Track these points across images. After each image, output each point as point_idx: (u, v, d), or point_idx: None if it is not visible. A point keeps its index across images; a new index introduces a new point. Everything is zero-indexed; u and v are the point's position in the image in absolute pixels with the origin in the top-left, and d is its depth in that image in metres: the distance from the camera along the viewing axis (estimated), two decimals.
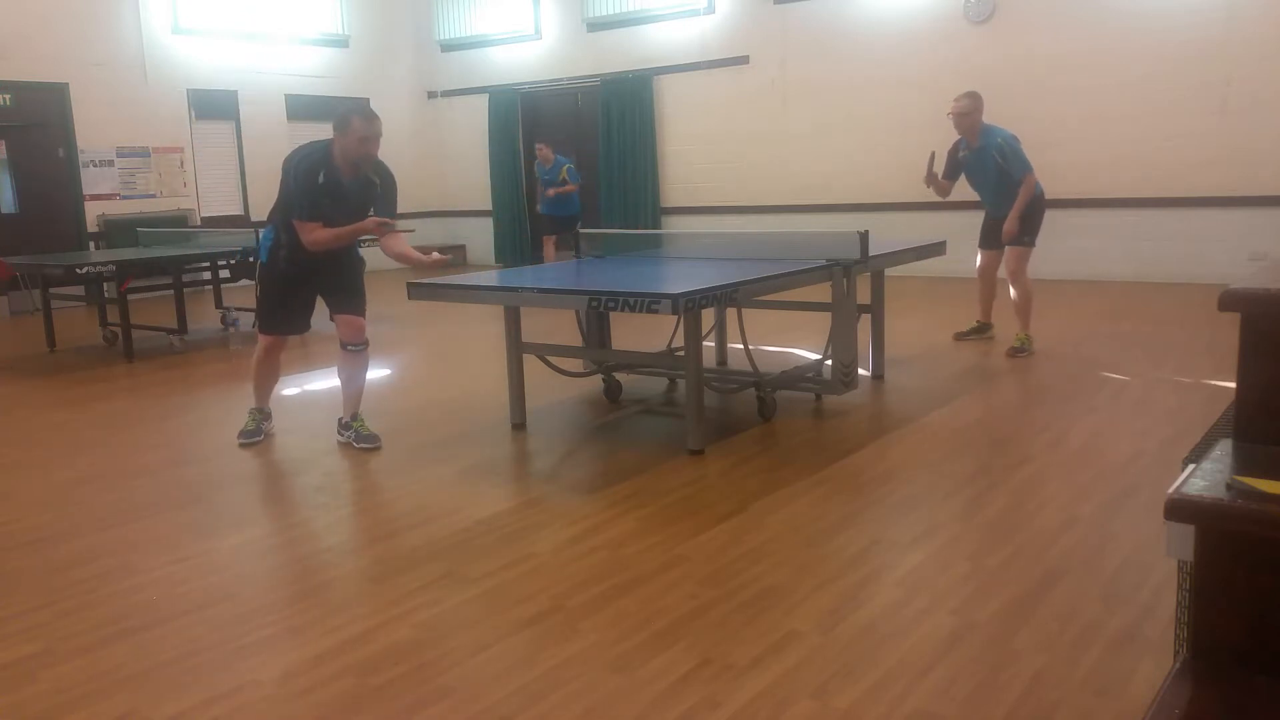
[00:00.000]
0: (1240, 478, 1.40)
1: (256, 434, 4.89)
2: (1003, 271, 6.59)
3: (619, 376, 5.68)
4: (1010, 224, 6.30)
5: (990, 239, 6.68)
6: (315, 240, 4.47)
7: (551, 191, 11.00)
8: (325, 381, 6.09)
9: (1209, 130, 9.04)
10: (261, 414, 4.96)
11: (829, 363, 5.11)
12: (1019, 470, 4.09)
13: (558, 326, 6.21)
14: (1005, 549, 3.26)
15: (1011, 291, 6.47)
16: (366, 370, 4.88)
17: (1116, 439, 4.48)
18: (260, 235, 4.84)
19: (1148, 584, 2.93)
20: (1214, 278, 8.38)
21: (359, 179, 4.57)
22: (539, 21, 13.08)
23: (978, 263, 6.83)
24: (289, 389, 6.20)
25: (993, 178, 6.45)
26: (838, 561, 3.21)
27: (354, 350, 4.76)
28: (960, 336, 6.98)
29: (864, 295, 5.45)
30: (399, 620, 2.89)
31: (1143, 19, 9.20)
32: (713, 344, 6.11)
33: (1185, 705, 1.39)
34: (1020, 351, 6.34)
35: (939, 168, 6.58)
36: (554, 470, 4.49)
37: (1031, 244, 6.45)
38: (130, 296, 7.47)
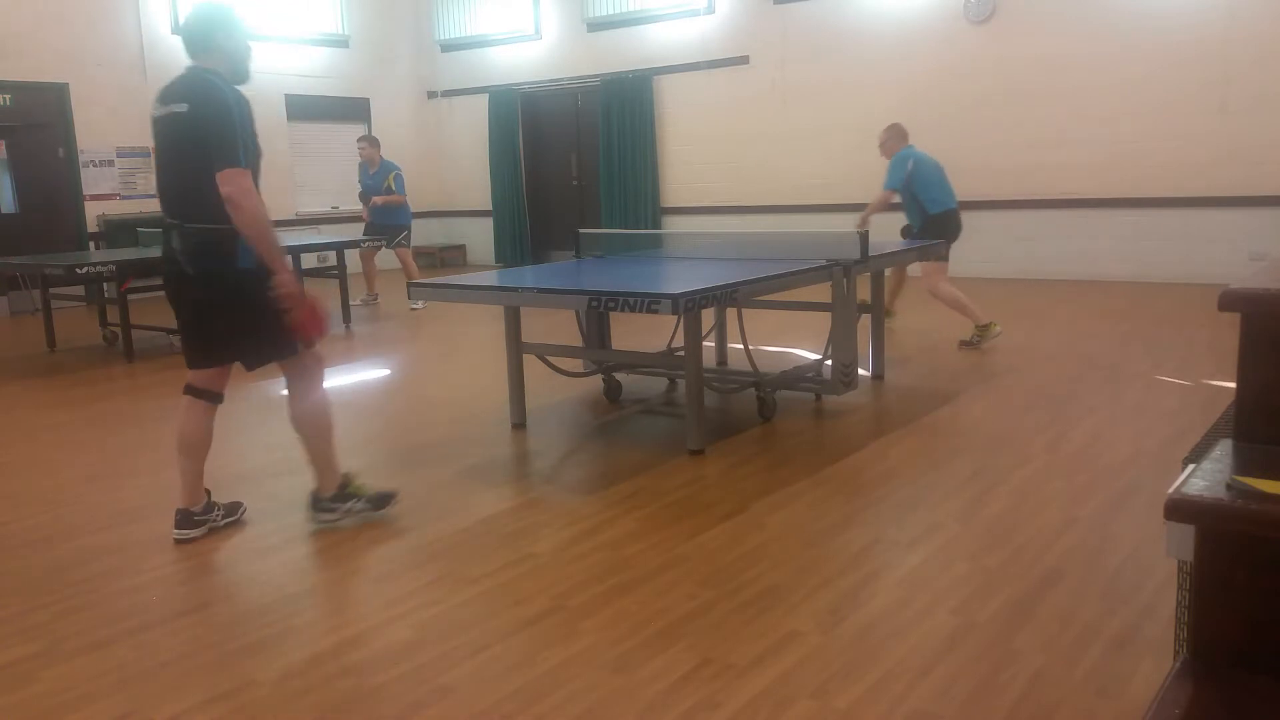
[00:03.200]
0: (1240, 478, 1.40)
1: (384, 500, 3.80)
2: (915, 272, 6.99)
3: (619, 376, 5.68)
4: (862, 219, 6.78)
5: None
6: (254, 208, 3.27)
7: (380, 200, 9.78)
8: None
9: (1209, 130, 9.04)
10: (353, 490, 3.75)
11: (829, 363, 5.11)
12: (1019, 470, 4.09)
13: (558, 326, 6.21)
14: (1005, 549, 3.26)
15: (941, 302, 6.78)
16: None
17: (1116, 439, 4.48)
18: (236, 243, 3.36)
19: (1148, 584, 2.93)
20: (1214, 278, 8.38)
21: None
22: (539, 21, 13.08)
23: None
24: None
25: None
26: (838, 561, 3.21)
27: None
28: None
29: (864, 295, 5.45)
30: (399, 620, 2.89)
31: (1143, 19, 9.19)
32: (713, 344, 6.11)
33: (1185, 705, 1.39)
34: (971, 344, 6.61)
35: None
36: (554, 470, 4.49)
37: (941, 258, 6.67)
38: (130, 296, 7.47)
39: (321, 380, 3.69)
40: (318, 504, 3.69)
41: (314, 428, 3.65)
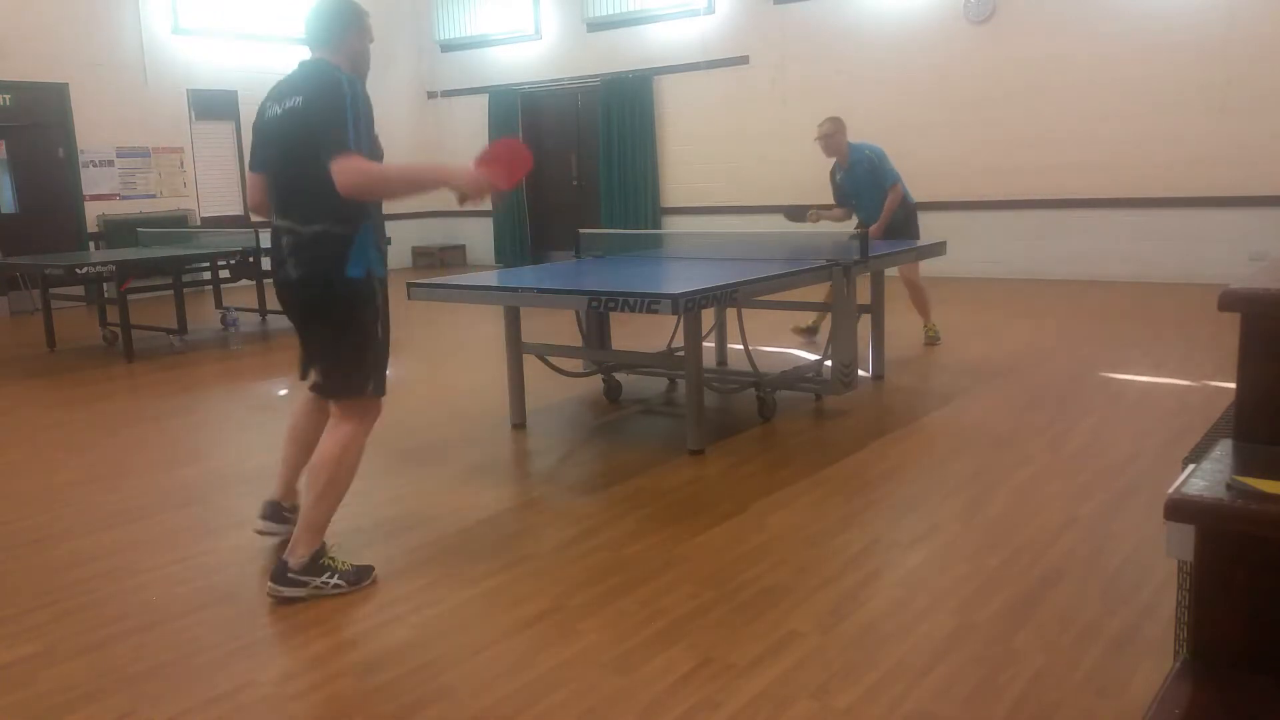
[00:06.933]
0: (1240, 478, 1.40)
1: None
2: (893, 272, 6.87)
3: (619, 376, 5.68)
4: (875, 230, 6.55)
5: None
6: (379, 183, 3.05)
7: None
8: None
9: (1209, 130, 9.03)
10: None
11: (829, 363, 5.11)
12: (1019, 470, 4.09)
13: (558, 326, 6.21)
14: (1005, 549, 3.26)
15: (909, 293, 6.84)
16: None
17: (1116, 439, 4.48)
18: (349, 248, 3.06)
19: (1148, 584, 2.93)
20: (1214, 278, 8.38)
21: None
22: (539, 21, 13.08)
23: None
24: (283, 389, 6.20)
25: (867, 190, 6.76)
26: (838, 561, 3.21)
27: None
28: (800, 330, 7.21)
29: (864, 295, 5.46)
30: (399, 620, 2.89)
31: (1143, 19, 9.19)
32: (713, 344, 6.11)
33: (1185, 705, 1.39)
34: (934, 342, 6.78)
35: (822, 214, 6.97)
36: (554, 470, 4.49)
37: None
38: (130, 296, 7.47)
39: (366, 435, 3.19)
40: (282, 576, 3.05)
41: (331, 481, 3.10)
